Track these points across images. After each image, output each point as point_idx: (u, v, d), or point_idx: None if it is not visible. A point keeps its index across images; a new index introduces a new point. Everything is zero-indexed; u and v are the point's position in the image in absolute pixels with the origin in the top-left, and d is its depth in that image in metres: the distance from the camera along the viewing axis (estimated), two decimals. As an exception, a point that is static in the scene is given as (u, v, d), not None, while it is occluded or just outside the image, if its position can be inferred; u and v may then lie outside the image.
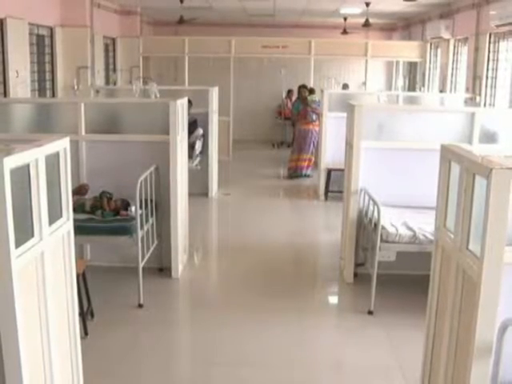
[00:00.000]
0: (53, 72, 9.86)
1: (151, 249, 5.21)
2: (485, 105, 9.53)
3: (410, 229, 4.88)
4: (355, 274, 5.50)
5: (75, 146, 5.31)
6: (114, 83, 12.05)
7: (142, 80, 11.47)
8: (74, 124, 5.44)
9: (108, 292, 5.14)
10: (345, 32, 14.49)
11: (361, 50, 13.40)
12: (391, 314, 4.83)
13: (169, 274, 5.52)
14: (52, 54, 9.81)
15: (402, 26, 15.87)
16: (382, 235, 4.77)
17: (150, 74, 13.75)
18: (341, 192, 6.28)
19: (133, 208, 4.95)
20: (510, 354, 2.28)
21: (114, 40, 12.70)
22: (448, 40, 11.53)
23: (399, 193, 5.35)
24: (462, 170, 2.55)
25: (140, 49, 13.20)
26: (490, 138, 5.57)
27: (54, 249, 2.64)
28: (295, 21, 15.65)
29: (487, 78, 9.61)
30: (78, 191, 5.12)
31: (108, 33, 12.06)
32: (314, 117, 10.16)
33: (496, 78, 9.39)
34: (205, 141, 8.81)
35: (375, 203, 4.80)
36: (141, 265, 4.85)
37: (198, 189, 8.49)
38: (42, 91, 9.50)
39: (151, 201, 5.17)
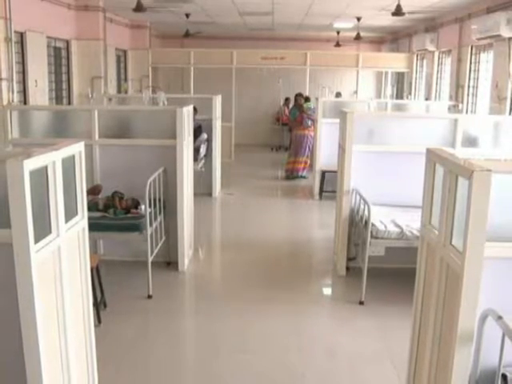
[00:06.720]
0: (69, 81, 9.86)
1: (159, 244, 5.20)
2: (467, 112, 9.53)
3: (397, 226, 4.88)
4: (347, 268, 5.50)
5: (89, 150, 5.31)
6: (126, 92, 12.04)
7: (151, 89, 11.50)
8: (88, 129, 5.44)
9: (119, 284, 5.14)
10: (338, 44, 14.50)
11: (352, 61, 13.40)
12: (381, 304, 4.83)
13: (176, 267, 5.52)
14: (68, 65, 9.82)
15: (391, 38, 15.88)
16: (372, 232, 4.77)
17: (158, 84, 13.75)
18: (334, 192, 6.27)
19: (142, 207, 4.95)
20: (490, 342, 2.28)
21: (125, 52, 12.70)
22: (433, 52, 11.53)
23: (388, 192, 5.34)
24: (445, 171, 2.55)
25: (149, 60, 13.21)
26: (471, 142, 5.57)
27: (70, 244, 2.64)
28: (292, 34, 15.66)
29: (469, 86, 9.61)
30: (92, 191, 5.12)
31: (120, 45, 12.07)
32: (310, 123, 10.16)
33: (477, 87, 9.39)
34: (209, 145, 8.81)
35: (366, 202, 4.79)
36: (150, 259, 4.84)
37: (203, 189, 8.50)
38: (58, 99, 9.50)
39: (159, 200, 5.17)
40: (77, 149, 2.70)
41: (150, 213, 4.82)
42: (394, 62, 13.58)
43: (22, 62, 7.86)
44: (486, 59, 9.01)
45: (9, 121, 5.43)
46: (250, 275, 5.59)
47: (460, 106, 9.65)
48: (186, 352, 4.28)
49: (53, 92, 9.22)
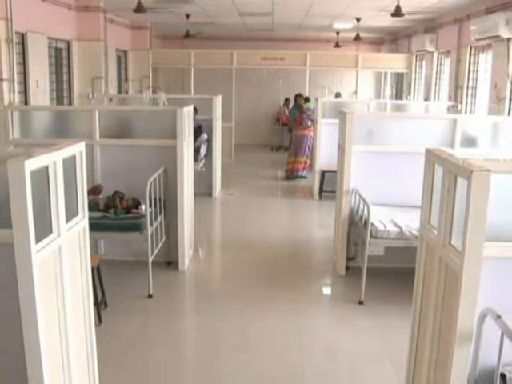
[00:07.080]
0: (70, 82, 9.86)
1: (160, 244, 5.21)
2: (466, 112, 9.53)
3: (397, 226, 4.88)
4: (347, 267, 5.50)
5: (90, 150, 5.31)
6: (126, 92, 12.05)
7: (151, 89, 11.50)
8: (89, 129, 5.44)
9: (120, 284, 5.14)
10: (337, 45, 14.50)
11: (352, 62, 13.40)
12: (380, 303, 4.83)
13: (176, 267, 5.52)
14: (69, 66, 9.82)
15: (390, 39, 15.87)
16: (371, 231, 4.77)
17: (158, 84, 13.76)
18: (334, 192, 6.27)
19: (143, 207, 4.95)
20: (489, 341, 2.28)
21: (125, 52, 12.71)
22: (432, 52, 11.53)
23: (387, 192, 5.35)
24: (444, 171, 2.55)
25: (149, 60, 13.21)
26: (470, 142, 5.57)
27: (71, 244, 2.64)
28: (292, 35, 15.65)
29: (468, 87, 9.61)
30: (93, 191, 5.12)
31: (120, 46, 12.07)
32: (309, 123, 10.16)
33: (476, 87, 9.39)
34: (209, 145, 8.81)
35: (365, 202, 4.79)
36: (150, 259, 4.84)
37: (203, 189, 8.50)
38: (59, 99, 9.50)
39: (160, 200, 5.17)
40: (77, 149, 2.70)
41: (151, 213, 4.82)
42: (394, 62, 13.58)
43: (23, 63, 7.86)
44: (485, 60, 9.01)
45: (10, 121, 5.43)
46: (250, 275, 5.59)
47: (459, 106, 9.65)
48: (186, 352, 4.28)
49: (54, 92, 9.22)
